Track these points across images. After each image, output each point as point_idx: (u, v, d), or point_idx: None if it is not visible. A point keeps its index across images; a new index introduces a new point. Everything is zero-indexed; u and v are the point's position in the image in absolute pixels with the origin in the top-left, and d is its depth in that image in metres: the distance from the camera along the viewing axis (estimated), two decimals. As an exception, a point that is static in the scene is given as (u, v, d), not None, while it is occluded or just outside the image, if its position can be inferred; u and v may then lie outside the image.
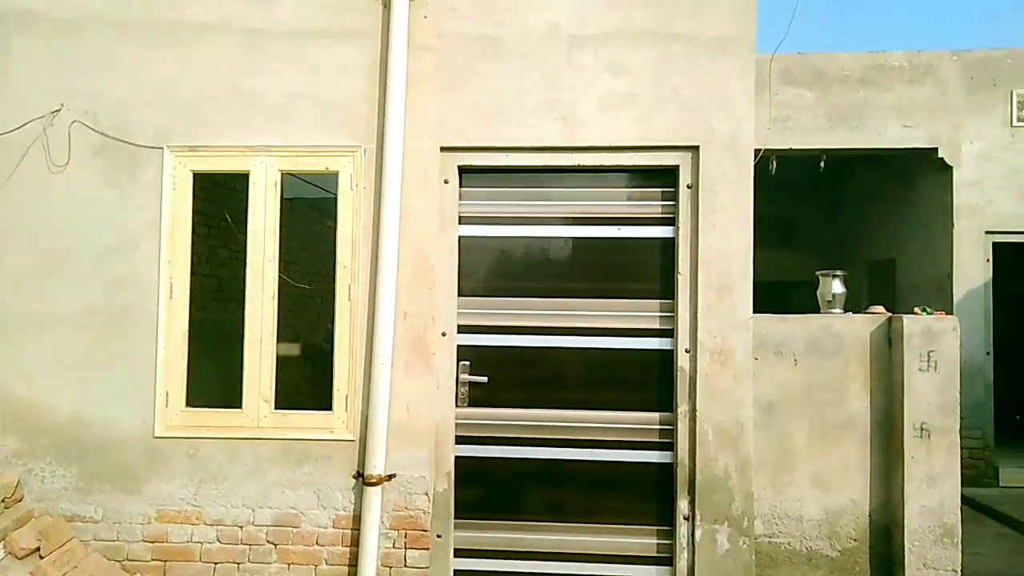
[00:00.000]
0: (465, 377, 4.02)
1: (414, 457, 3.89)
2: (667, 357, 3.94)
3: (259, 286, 4.00)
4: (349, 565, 3.88)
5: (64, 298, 4.03)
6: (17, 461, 4.01)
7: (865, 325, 3.86)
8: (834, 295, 4.07)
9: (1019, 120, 6.36)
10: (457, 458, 4.00)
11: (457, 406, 4.01)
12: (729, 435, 3.77)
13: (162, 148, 4.01)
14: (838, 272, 4.14)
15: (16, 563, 3.71)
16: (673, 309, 3.92)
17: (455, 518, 3.98)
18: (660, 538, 3.92)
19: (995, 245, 6.43)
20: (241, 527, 3.94)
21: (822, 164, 6.92)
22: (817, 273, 4.20)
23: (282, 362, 4.06)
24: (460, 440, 4.01)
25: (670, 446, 3.92)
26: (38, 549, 3.78)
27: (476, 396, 4.03)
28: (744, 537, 3.73)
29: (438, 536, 3.91)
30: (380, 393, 3.82)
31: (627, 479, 3.95)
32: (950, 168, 6.49)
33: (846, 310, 4.10)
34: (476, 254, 4.08)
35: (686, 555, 3.81)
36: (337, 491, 3.92)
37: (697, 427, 3.79)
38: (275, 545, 3.93)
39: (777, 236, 9.39)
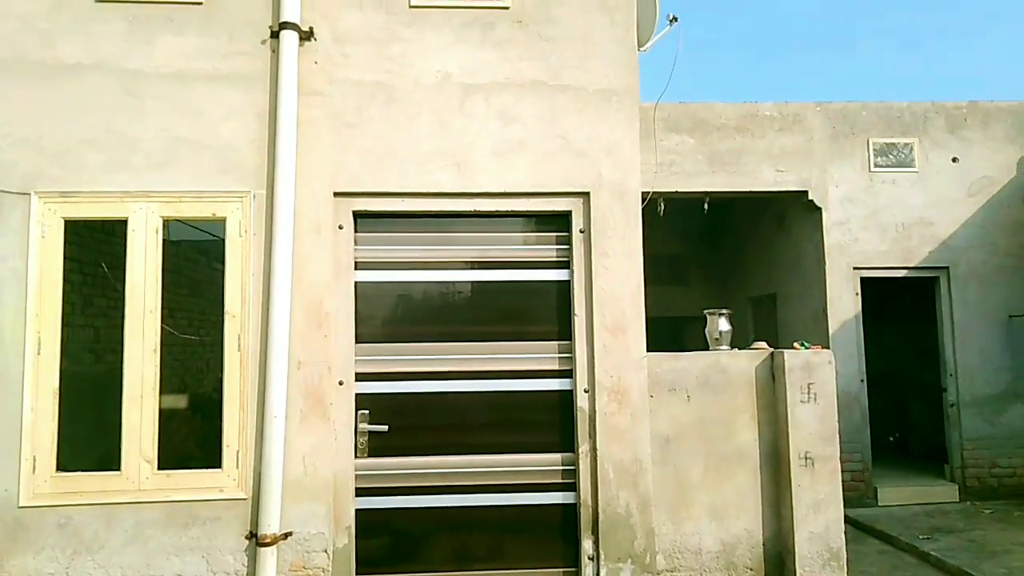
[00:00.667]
0: (364, 427, 3.91)
1: (311, 512, 3.73)
2: (567, 397, 4.00)
3: (139, 339, 3.77)
4: (242, 634, 3.64)
5: (-89, 358, 3.65)
6: None
7: (750, 360, 4.06)
8: (721, 332, 4.26)
9: (876, 165, 6.97)
10: (358, 511, 3.87)
11: (357, 457, 3.90)
12: (629, 472, 3.84)
13: (29, 194, 3.75)
14: (724, 311, 4.35)
15: None
16: (571, 350, 3.99)
17: (357, 574, 3.83)
18: (565, 580, 3.92)
19: (862, 280, 6.97)
20: (120, 602, 3.63)
21: (706, 206, 7.31)
22: (704, 312, 4.40)
23: (167, 417, 3.82)
24: (360, 492, 3.89)
25: (573, 486, 3.95)
26: None
27: (376, 445, 3.92)
28: (647, 574, 3.79)
29: (338, 595, 3.75)
30: (273, 447, 3.66)
31: (532, 521, 3.94)
32: (819, 209, 7.00)
33: (733, 346, 4.30)
34: (374, 300, 4.02)
35: (591, 596, 3.82)
36: (228, 554, 3.69)
37: (598, 466, 3.84)
38: (158, 619, 3.64)
39: (668, 274, 9.82)
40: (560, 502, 3.96)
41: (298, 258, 3.82)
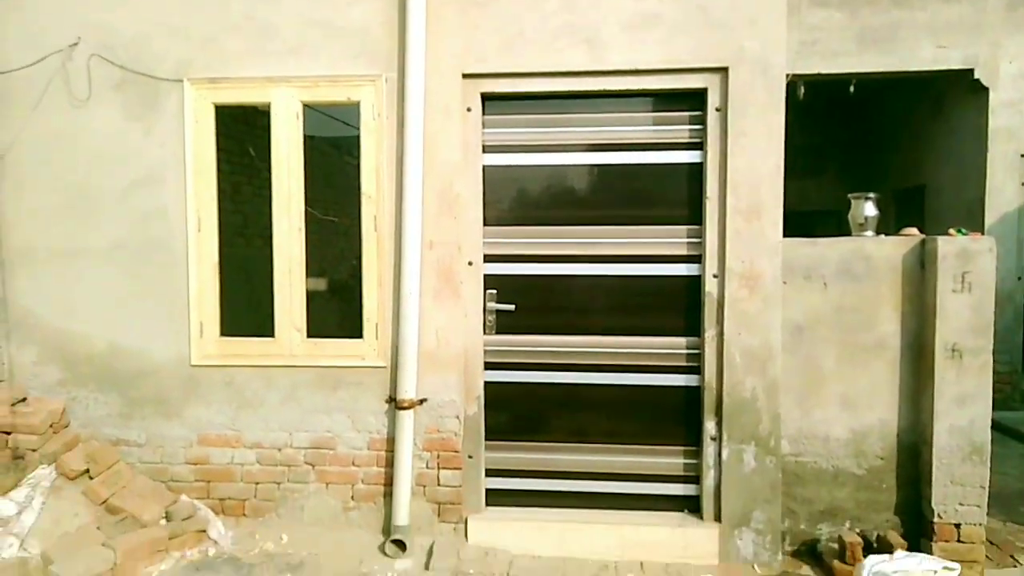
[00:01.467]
0: (492, 305, 4.05)
1: (444, 382, 3.97)
2: (694, 283, 3.94)
3: (285, 218, 4.02)
4: (384, 484, 4.01)
5: (93, 233, 4.09)
6: (61, 389, 4.15)
7: (897, 247, 3.80)
8: (866, 218, 4.00)
9: (1062, 36, 6.10)
10: (486, 383, 4.08)
11: (485, 333, 4.06)
12: (757, 358, 3.79)
13: (182, 81, 3.99)
14: (871, 195, 4.06)
15: (68, 484, 3.89)
16: (701, 235, 3.90)
17: (486, 440, 4.08)
18: (687, 458, 4.00)
19: (1030, 169, 6.27)
20: (279, 449, 4.08)
21: (851, 89, 6.72)
22: (849, 196, 4.13)
23: (313, 292, 4.13)
24: (489, 366, 4.08)
25: (697, 370, 3.96)
26: (87, 471, 3.95)
27: (504, 324, 4.07)
28: (771, 456, 3.80)
29: (469, 457, 4.02)
30: (409, 321, 3.88)
31: (653, 402, 4.01)
32: (986, 90, 6.27)
33: (877, 234, 4.04)
34: (501, 183, 4.05)
35: (713, 473, 3.89)
36: (371, 415, 4.02)
37: (725, 350, 3.81)
38: (313, 466, 4.07)
39: (803, 165, 9.19)
40: (683, 384, 3.99)
41: (428, 141, 3.89)
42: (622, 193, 4.01)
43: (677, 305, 3.97)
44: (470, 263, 3.99)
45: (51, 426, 4.01)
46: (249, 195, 5.13)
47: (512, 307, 4.04)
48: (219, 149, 4.15)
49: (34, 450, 3.90)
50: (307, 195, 4.07)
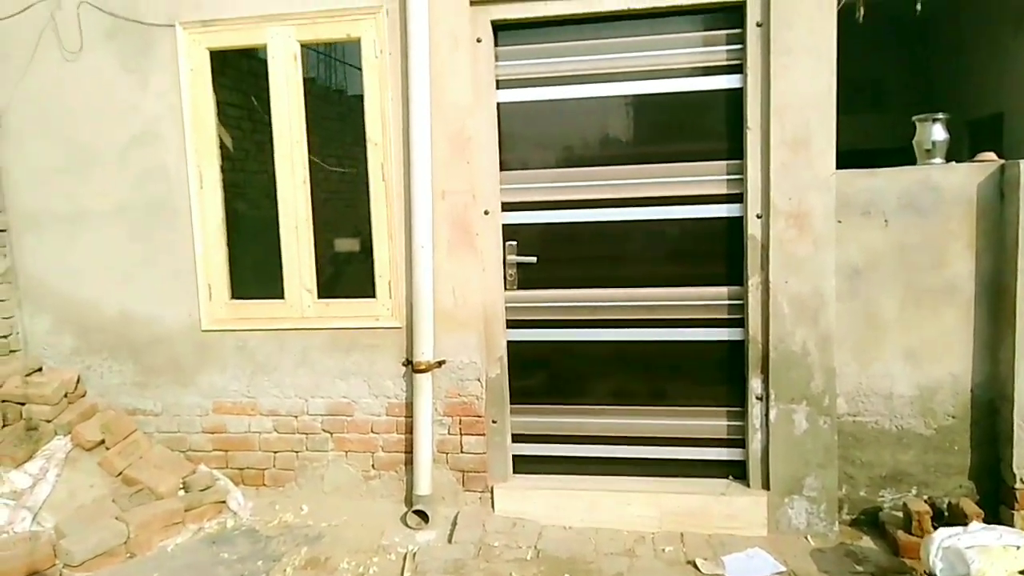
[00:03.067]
0: (512, 258, 3.73)
1: (463, 342, 3.69)
2: (736, 225, 3.53)
3: (289, 170, 3.76)
4: (405, 452, 3.79)
5: (95, 194, 3.92)
6: (75, 358, 4.04)
7: (971, 176, 3.30)
8: (934, 143, 3.49)
9: None
10: (509, 343, 3.78)
11: (506, 289, 3.75)
12: (807, 307, 3.38)
13: (174, 26, 3.72)
14: (939, 116, 3.54)
15: (84, 454, 3.79)
16: (742, 170, 3.47)
17: (511, 403, 3.81)
18: (731, 419, 3.64)
19: None
20: (296, 417, 3.89)
21: (918, 7, 6.01)
22: (914, 119, 3.61)
23: (322, 249, 3.88)
24: (511, 324, 3.78)
25: (741, 322, 3.57)
26: (103, 441, 3.84)
27: (526, 278, 3.74)
28: (825, 416, 3.41)
29: (493, 422, 3.75)
30: (423, 278, 3.60)
31: (693, 358, 3.65)
32: (1077, -2, 5.52)
33: (947, 161, 3.53)
34: (518, 122, 3.69)
35: (759, 436, 3.53)
36: (388, 379, 3.79)
37: (771, 299, 3.41)
38: (331, 434, 3.87)
39: (861, 100, 8.47)
40: (725, 339, 3.61)
41: (436, 78, 3.54)
42: (652, 127, 3.60)
43: (717, 251, 3.58)
44: (486, 212, 3.66)
45: (65, 396, 3.91)
46: (254, 150, 4.86)
47: (534, 259, 3.71)
48: (219, 101, 3.90)
49: (48, 421, 3.81)
50: (311, 145, 3.79)
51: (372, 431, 3.84)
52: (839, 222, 3.38)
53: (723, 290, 3.59)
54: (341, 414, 3.85)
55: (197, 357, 3.93)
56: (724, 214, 3.55)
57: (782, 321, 3.41)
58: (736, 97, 3.46)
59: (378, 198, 3.70)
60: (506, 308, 3.76)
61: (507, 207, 3.72)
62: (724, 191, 3.53)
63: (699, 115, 3.53)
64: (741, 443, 3.62)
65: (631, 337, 3.69)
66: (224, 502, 3.80)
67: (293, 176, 3.75)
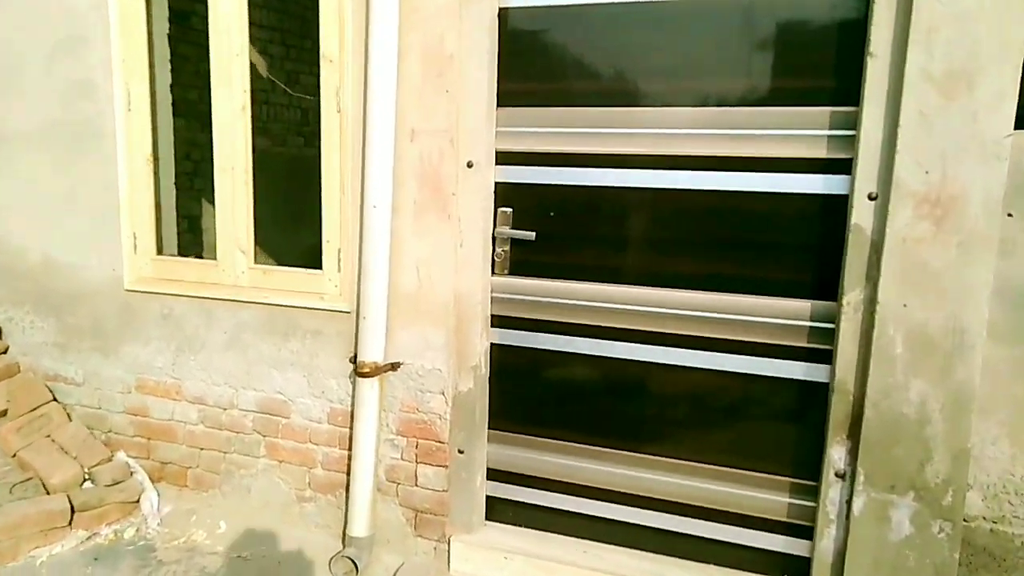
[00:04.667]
0: (505, 231, 2.67)
1: (425, 340, 2.70)
2: (834, 208, 2.30)
3: (226, 92, 2.86)
4: (348, 473, 2.89)
5: (21, 110, 3.20)
6: (-3, 309, 3.41)
7: None
8: None
9: None
10: (492, 347, 2.76)
11: (493, 273, 2.72)
12: (936, 348, 2.12)
13: None
14: None
15: (-22, 426, 3.16)
16: (854, 123, 2.22)
17: (490, 428, 2.81)
18: (795, 496, 2.46)
19: None
20: (224, 409, 3.08)
21: None
22: None
23: (262, 200, 2.98)
24: (496, 322, 2.75)
25: (825, 356, 2.36)
26: (6, 412, 3.19)
27: (521, 260, 2.69)
28: (943, 520, 2.17)
29: (460, 451, 2.76)
30: (375, 249, 2.62)
31: (748, 400, 2.48)
32: None
33: None
34: (525, 36, 2.59)
35: (834, 531, 2.33)
36: (331, 377, 2.88)
37: (876, 327, 2.18)
38: (263, 437, 3.03)
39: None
40: (798, 377, 2.41)
41: (411, -31, 2.50)
42: (719, 47, 2.39)
43: (799, 245, 2.36)
44: (470, 164, 2.61)
45: (-23, 350, 3.29)
46: (198, 67, 3.97)
47: (532, 235, 2.64)
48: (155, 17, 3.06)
49: (-52, 379, 3.20)
50: (263, 64, 2.87)
51: (311, 441, 2.96)
52: (1009, 215, 2.08)
53: (802, 305, 2.38)
54: (276, 414, 3.00)
55: (120, 321, 3.19)
56: (817, 189, 2.32)
57: (890, 365, 2.17)
58: (854, 8, 2.19)
59: (330, 136, 2.73)
60: (491, 299, 2.73)
61: (502, 159, 2.66)
62: (822, 153, 2.30)
63: (794, 31, 2.29)
64: (807, 532, 2.44)
65: (663, 358, 2.56)
66: (137, 502, 3.08)
67: (231, 100, 2.86)
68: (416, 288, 2.68)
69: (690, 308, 2.51)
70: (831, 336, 2.33)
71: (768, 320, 2.42)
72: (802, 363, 2.40)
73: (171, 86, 3.27)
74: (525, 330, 2.73)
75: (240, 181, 2.89)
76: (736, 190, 2.41)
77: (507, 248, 2.69)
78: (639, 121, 2.49)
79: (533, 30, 2.58)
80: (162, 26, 3.23)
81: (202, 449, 3.14)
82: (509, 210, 2.67)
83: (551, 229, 2.64)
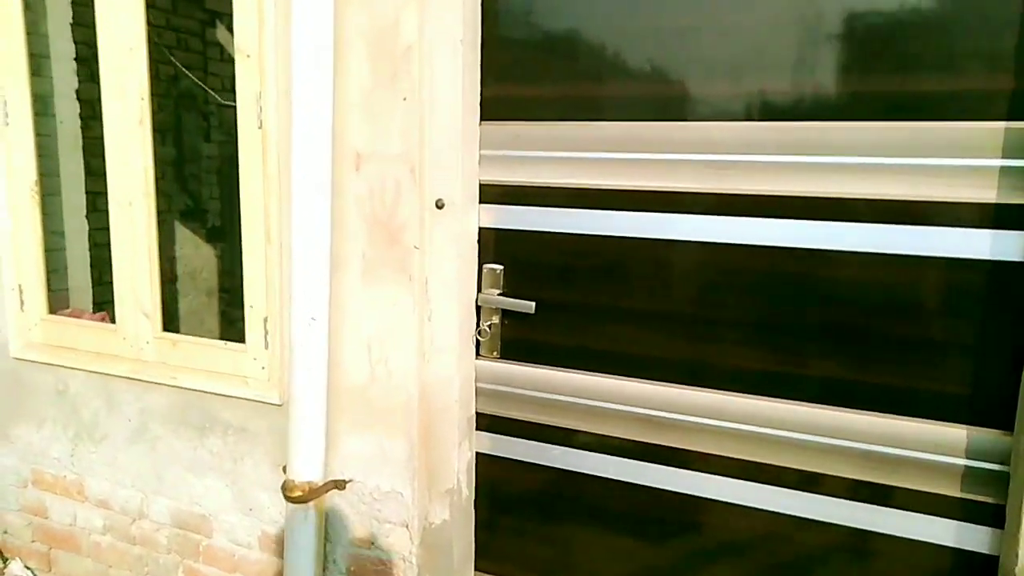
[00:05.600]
0: (493, 298, 1.86)
1: (381, 451, 1.91)
2: (1007, 280, 1.42)
3: (119, 101, 2.10)
4: (286, 620, 2.11)
5: None
6: None
7: None
8: None
9: None
10: (479, 457, 1.95)
11: (479, 356, 1.90)
12: None
13: None
14: None
15: None
16: (1048, 147, 1.33)
17: (476, 574, 2.00)
18: None
19: None
20: (133, 520, 2.34)
21: None
22: None
23: (168, 248, 2.22)
24: (485, 423, 1.93)
25: (988, 514, 1.48)
26: None
27: (516, 338, 1.87)
28: None
29: (432, 607, 1.96)
30: (306, 321, 1.83)
31: (846, 567, 1.62)
32: None
33: None
34: (517, 19, 1.76)
35: None
36: (261, 490, 2.11)
37: (1092, 496, 1.29)
38: (181, 559, 2.28)
39: None
40: (949, 544, 1.53)
41: (353, -82, 1.70)
42: (814, 34, 1.52)
43: (947, 338, 1.48)
44: (440, 204, 1.79)
45: None
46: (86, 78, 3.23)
47: (532, 306, 1.81)
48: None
49: None
50: (156, 61, 2.11)
51: (239, 572, 2.19)
52: None
53: (952, 434, 1.50)
54: (194, 531, 2.24)
55: (10, 396, 2.47)
56: (979, 252, 1.44)
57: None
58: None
59: (250, 160, 1.95)
60: (475, 393, 1.92)
61: (489, 195, 1.84)
62: (990, 196, 1.42)
63: (940, 16, 1.42)
64: None
65: (734, 496, 1.71)
66: (26, 633, 2.36)
67: (125, 111, 2.09)
68: (367, 377, 1.89)
69: (764, 423, 1.65)
70: (1001, 485, 1.46)
71: (891, 451, 1.55)
72: (948, 522, 1.53)
73: (77, 91, 2.53)
74: (525, 438, 1.91)
75: (141, 219, 2.13)
76: (843, 250, 1.54)
77: (497, 321, 1.87)
78: (695, 142, 1.64)
79: (534, 8, 1.74)
80: (64, 13, 2.49)
81: (109, 567, 2.41)
82: (499, 268, 1.85)
83: (560, 297, 1.81)
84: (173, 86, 3.47)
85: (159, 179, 2.21)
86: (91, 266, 2.61)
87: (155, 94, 2.22)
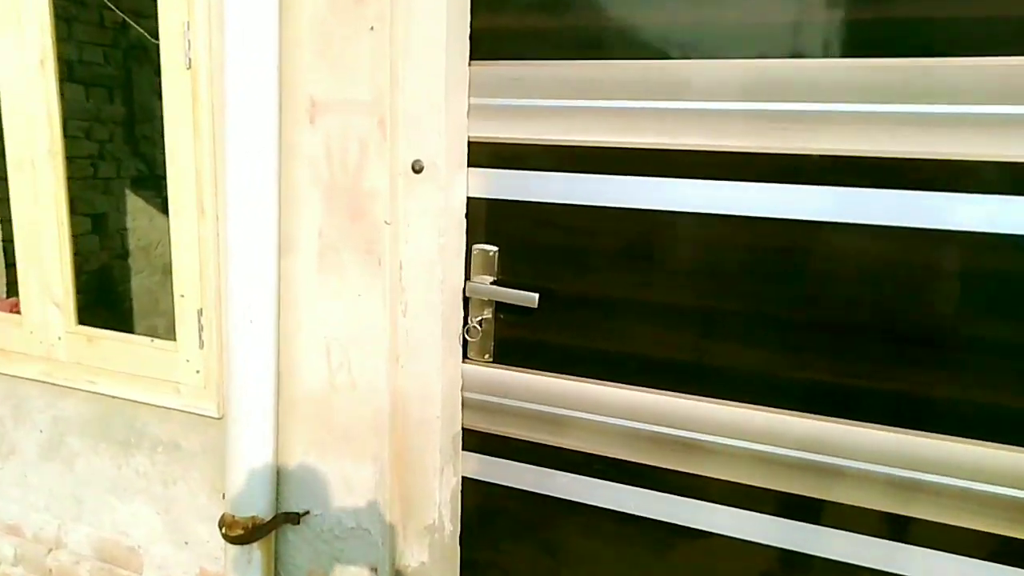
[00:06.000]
0: (485, 287, 1.47)
1: (343, 477, 1.53)
2: None
3: (13, 33, 1.67)
4: (231, 674, 1.74)
5: None
6: None
7: None
8: None
9: None
10: (465, 483, 1.57)
11: (466, 359, 1.52)
12: None
13: None
14: None
15: None
16: None
17: (461, 621, 1.63)
18: None
19: None
20: (49, 549, 1.94)
21: None
22: None
23: (82, 221, 1.81)
24: (475, 442, 1.56)
25: None
26: None
27: (514, 338, 1.49)
28: None
29: (407, 667, 1.59)
30: (249, 315, 1.43)
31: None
32: None
33: None
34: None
35: None
36: (199, 520, 1.72)
37: None
38: (107, 597, 1.90)
39: None
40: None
41: None
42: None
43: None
44: (418, 167, 1.39)
45: None
46: None
47: (535, 298, 1.42)
48: None
49: None
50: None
51: (174, 615, 1.82)
52: None
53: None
54: (122, 565, 1.86)
55: (-98, 400, 2.06)
56: None
57: None
58: None
59: (176, 109, 1.54)
60: (463, 406, 1.53)
61: (480, 156, 1.44)
62: None
63: None
64: None
65: (777, 538, 1.35)
66: None
67: (19, 48, 1.67)
68: (326, 386, 1.50)
69: (846, 454, 1.29)
70: None
71: (1000, 491, 1.19)
72: (1078, 584, 1.18)
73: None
74: (523, 461, 1.53)
75: (46, 184, 1.71)
76: (937, 229, 1.17)
77: (489, 316, 1.49)
78: (754, 86, 1.25)
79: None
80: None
81: (25, 602, 2.02)
82: (492, 250, 1.46)
83: (570, 287, 1.42)
84: (122, 36, 3.06)
85: (80, 137, 1.79)
86: (3, 242, 2.18)
87: (95, 42, 1.79)
